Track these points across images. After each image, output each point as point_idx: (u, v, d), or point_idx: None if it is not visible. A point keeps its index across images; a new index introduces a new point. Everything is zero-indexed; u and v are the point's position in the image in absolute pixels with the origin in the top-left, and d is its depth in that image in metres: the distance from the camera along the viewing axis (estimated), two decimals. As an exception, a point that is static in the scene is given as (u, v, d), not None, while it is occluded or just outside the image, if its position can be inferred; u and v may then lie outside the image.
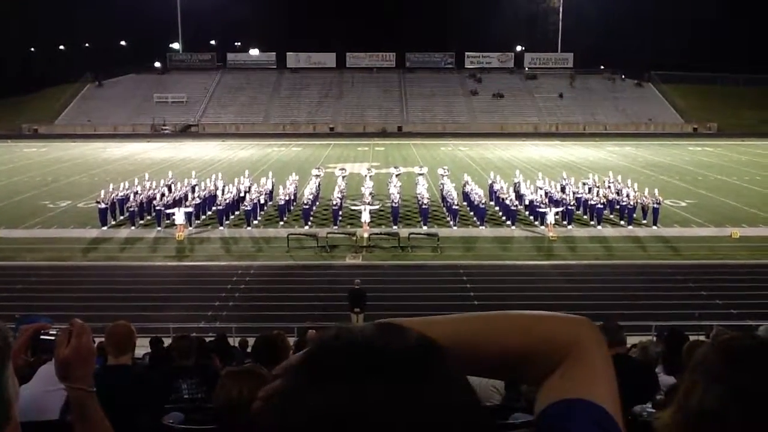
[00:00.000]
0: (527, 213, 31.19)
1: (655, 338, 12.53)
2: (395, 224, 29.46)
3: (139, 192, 31.94)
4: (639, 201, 30.37)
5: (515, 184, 34.95)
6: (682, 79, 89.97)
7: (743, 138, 69.70)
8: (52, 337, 2.07)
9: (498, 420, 5.07)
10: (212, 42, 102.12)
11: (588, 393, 1.00)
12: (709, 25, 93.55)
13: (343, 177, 36.93)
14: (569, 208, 30.19)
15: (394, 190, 32.30)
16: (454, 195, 31.75)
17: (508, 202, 30.81)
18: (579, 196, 32.28)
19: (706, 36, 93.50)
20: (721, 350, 1.31)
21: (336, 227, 29.09)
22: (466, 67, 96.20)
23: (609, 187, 33.71)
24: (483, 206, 30.39)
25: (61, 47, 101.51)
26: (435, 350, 0.83)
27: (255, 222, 30.22)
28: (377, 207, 30.35)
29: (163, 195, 31.83)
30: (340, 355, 0.79)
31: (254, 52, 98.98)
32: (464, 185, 34.14)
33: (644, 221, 29.89)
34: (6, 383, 1.41)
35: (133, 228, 29.30)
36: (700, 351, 1.36)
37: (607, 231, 29.00)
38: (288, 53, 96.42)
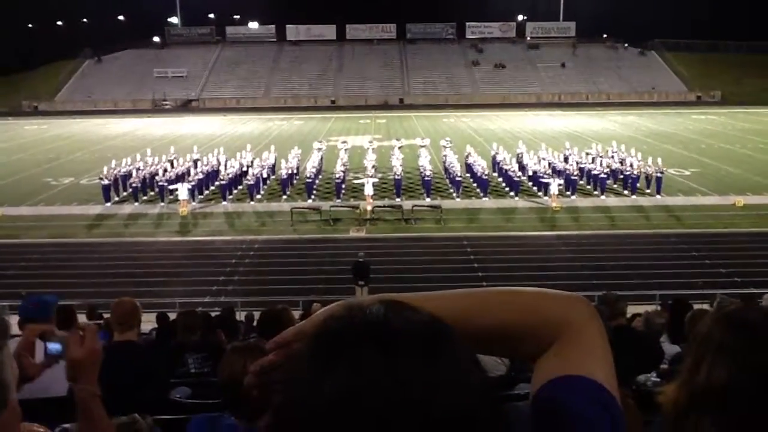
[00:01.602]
0: (530, 183, 31.14)
1: (659, 307, 12.56)
2: (398, 196, 29.45)
3: (142, 168, 31.92)
4: (643, 170, 30.27)
5: (518, 154, 34.80)
6: (686, 47, 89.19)
7: (747, 106, 69.24)
8: (59, 342, 2.10)
9: (503, 391, 5.10)
10: (211, 15, 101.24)
11: (585, 369, 1.00)
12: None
13: (346, 150, 36.82)
14: (572, 178, 30.10)
15: (396, 162, 32.21)
16: (456, 166, 31.67)
17: (511, 173, 30.75)
18: (582, 166, 32.15)
19: (709, 3, 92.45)
20: (727, 324, 1.31)
21: (339, 200, 29.11)
22: (467, 37, 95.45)
23: (612, 156, 33.60)
24: (486, 177, 30.32)
25: (59, 23, 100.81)
26: (445, 328, 0.83)
27: (258, 196, 30.24)
28: (377, 178, 30.29)
29: (165, 170, 31.75)
30: (354, 335, 0.79)
31: (253, 25, 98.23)
32: (467, 156, 34.02)
33: (648, 190, 29.85)
34: (3, 366, 1.41)
35: (136, 204, 29.34)
36: (703, 323, 1.36)
37: (610, 201, 28.97)
38: (287, 26, 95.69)
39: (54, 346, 2.13)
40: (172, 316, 11.44)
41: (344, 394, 0.73)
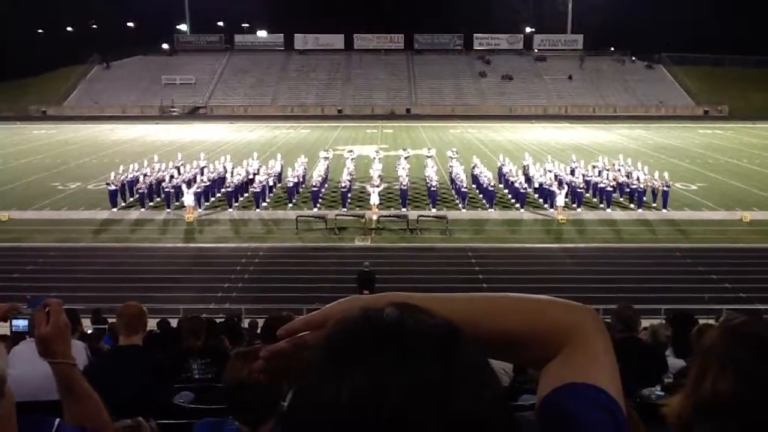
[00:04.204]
0: (536, 195, 31.11)
1: (664, 321, 12.52)
2: (404, 206, 29.44)
3: (149, 174, 32.03)
4: (649, 184, 30.22)
5: (524, 166, 34.81)
6: (693, 61, 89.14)
7: (754, 121, 69.14)
8: (25, 319, 2.10)
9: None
10: (220, 23, 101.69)
11: (591, 378, 1.00)
12: (720, 6, 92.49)
13: (352, 159, 36.86)
14: (578, 190, 30.07)
15: (402, 172, 32.22)
16: (462, 177, 31.67)
17: (517, 184, 30.73)
18: (588, 178, 32.14)
19: (717, 17, 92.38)
20: (733, 336, 1.31)
21: (345, 209, 29.12)
22: (474, 48, 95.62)
23: (619, 169, 33.55)
24: (492, 189, 30.31)
25: (69, 29, 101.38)
26: (459, 332, 0.84)
27: (264, 204, 30.26)
28: (383, 187, 30.29)
29: (172, 177, 31.89)
30: (370, 338, 0.80)
31: (262, 33, 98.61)
32: (473, 168, 34.02)
33: (654, 204, 29.78)
34: None
35: (142, 210, 29.43)
36: (709, 336, 1.37)
37: (616, 214, 28.91)
38: (296, 35, 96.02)
39: (20, 323, 2.12)
40: (175, 322, 11.46)
41: (360, 397, 0.74)
